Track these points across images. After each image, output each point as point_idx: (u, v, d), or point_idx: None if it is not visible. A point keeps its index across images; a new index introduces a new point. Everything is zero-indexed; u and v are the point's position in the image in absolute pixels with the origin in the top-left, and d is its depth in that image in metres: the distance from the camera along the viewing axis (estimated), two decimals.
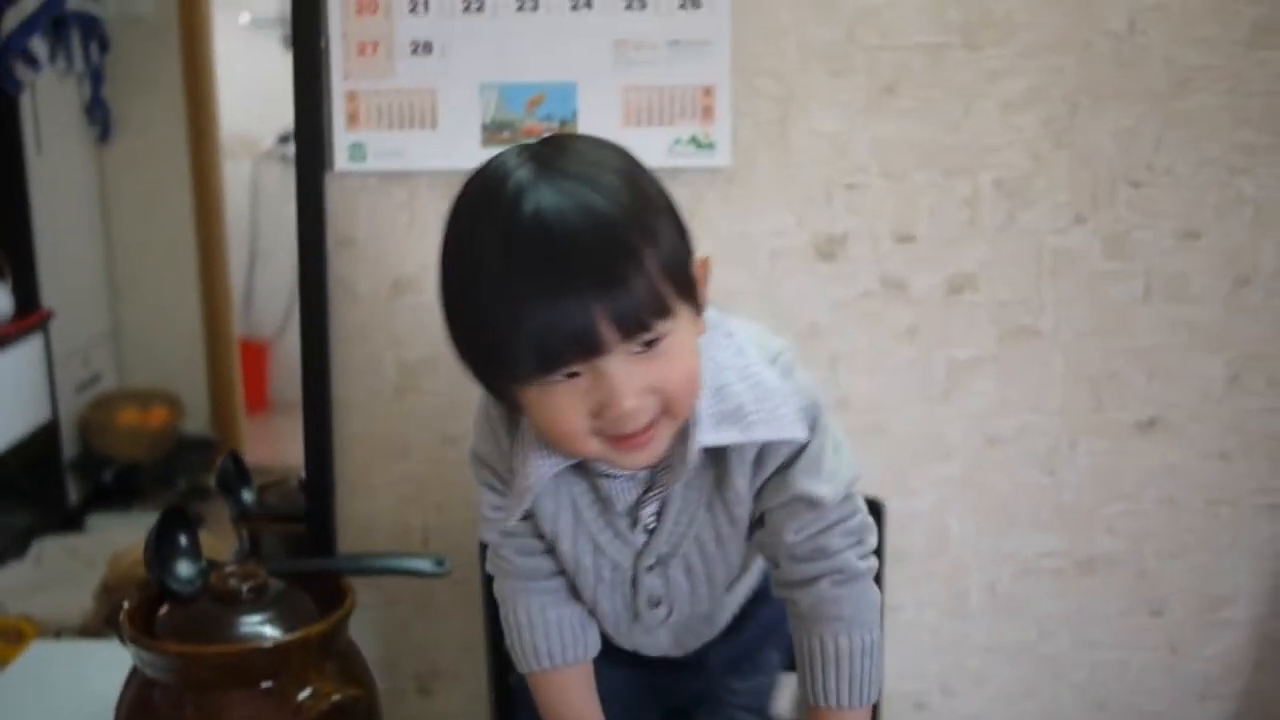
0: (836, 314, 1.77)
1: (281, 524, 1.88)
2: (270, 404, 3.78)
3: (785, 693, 1.84)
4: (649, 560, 1.22)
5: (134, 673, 1.60)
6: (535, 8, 1.68)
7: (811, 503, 1.14)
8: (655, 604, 1.25)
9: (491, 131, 1.71)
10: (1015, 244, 1.76)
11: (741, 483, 1.15)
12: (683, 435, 1.09)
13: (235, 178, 3.76)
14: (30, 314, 3.34)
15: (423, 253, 1.76)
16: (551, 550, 1.24)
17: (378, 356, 1.79)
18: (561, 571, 1.26)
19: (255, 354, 3.85)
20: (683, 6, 1.68)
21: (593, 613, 1.29)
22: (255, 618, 1.57)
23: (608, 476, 1.16)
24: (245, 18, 3.60)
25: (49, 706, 1.94)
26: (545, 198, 0.99)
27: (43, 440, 3.42)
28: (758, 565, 1.35)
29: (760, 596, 1.39)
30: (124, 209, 3.73)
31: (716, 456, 1.15)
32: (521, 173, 1.01)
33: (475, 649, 1.79)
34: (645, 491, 1.17)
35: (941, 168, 1.74)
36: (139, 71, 3.61)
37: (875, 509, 1.65)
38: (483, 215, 1.03)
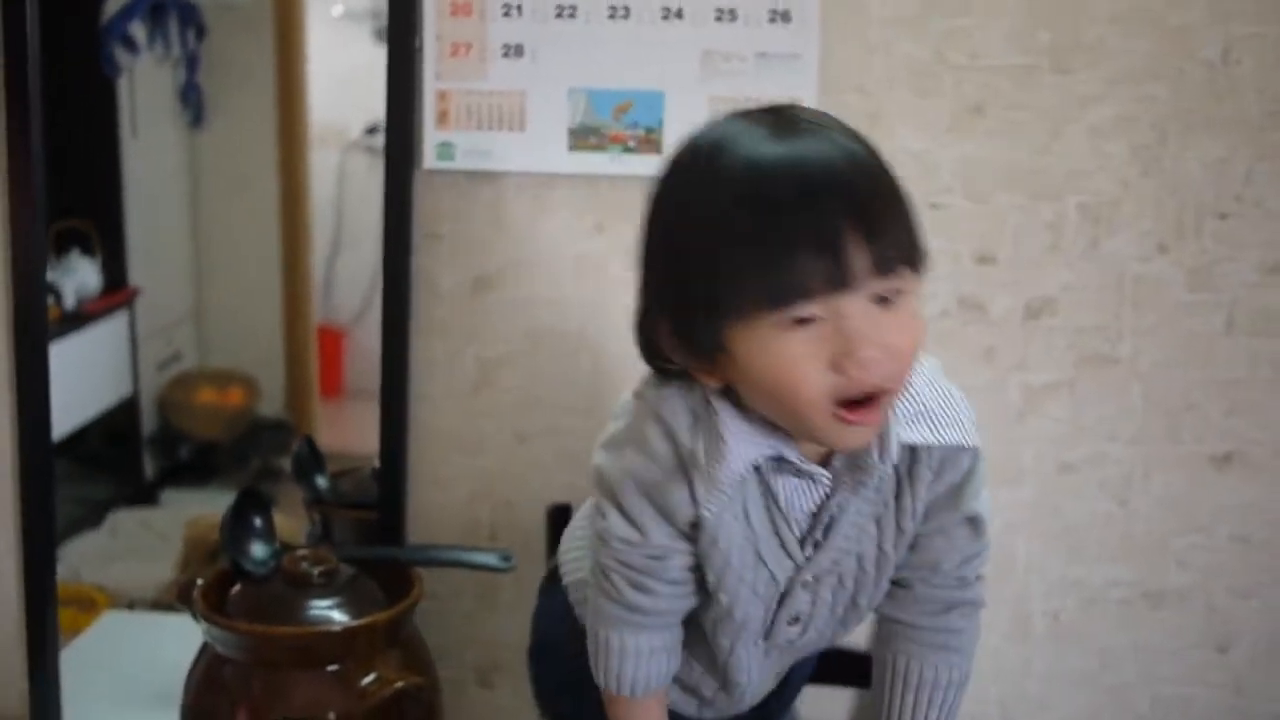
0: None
1: (353, 511, 1.92)
2: (345, 390, 3.84)
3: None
4: (807, 576, 1.15)
5: (205, 648, 1.64)
6: (626, 16, 1.70)
7: (976, 526, 1.14)
8: (794, 621, 1.19)
9: (579, 136, 1.73)
10: (1097, 270, 1.75)
11: (922, 492, 1.10)
12: (878, 435, 1.04)
13: (322, 166, 3.81)
14: (118, 291, 3.42)
15: (507, 251, 1.78)
16: (670, 595, 1.16)
17: (457, 352, 1.81)
18: (667, 613, 1.19)
19: (333, 340, 3.91)
20: (773, 20, 1.69)
21: (711, 637, 1.22)
22: (325, 602, 1.61)
23: (796, 475, 1.08)
24: (338, 9, 3.65)
25: (120, 675, 2.00)
26: (795, 141, 0.96)
27: (123, 415, 3.49)
28: None
29: None
30: (213, 193, 3.79)
31: (903, 464, 1.09)
32: (757, 129, 0.98)
33: None
34: (825, 499, 1.10)
35: (1026, 191, 1.73)
36: (233, 59, 3.68)
37: None
38: (715, 158, 0.98)
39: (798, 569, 1.14)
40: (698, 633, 1.23)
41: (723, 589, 1.15)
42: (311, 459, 1.95)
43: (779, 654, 1.26)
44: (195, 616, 1.61)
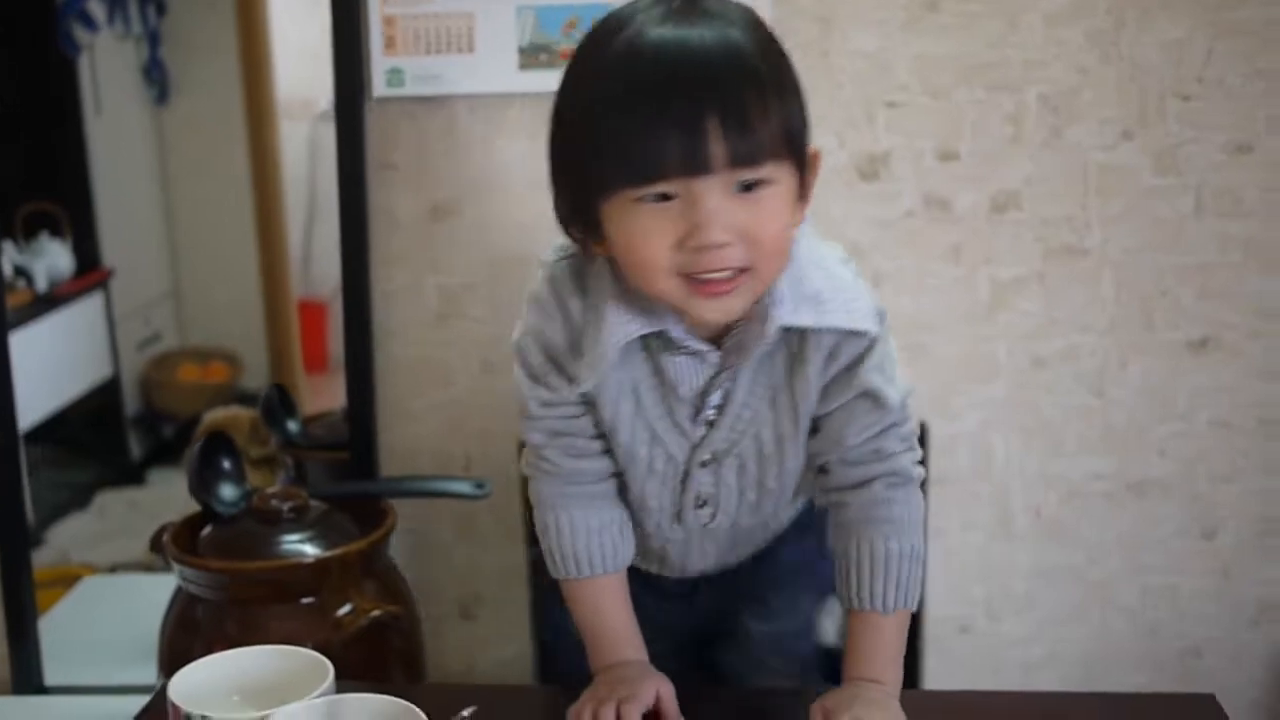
0: (879, 234, 1.75)
1: (326, 453, 1.90)
2: (329, 364, 3.81)
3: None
4: (704, 455, 1.18)
5: (178, 593, 1.63)
6: None
7: (877, 401, 1.14)
8: (701, 504, 1.23)
9: (528, 55, 1.70)
10: (1061, 161, 1.73)
11: (814, 374, 1.13)
12: (760, 315, 1.08)
13: (293, 138, 3.77)
14: (91, 272, 3.39)
15: (463, 177, 1.76)
16: (603, 451, 1.21)
17: (418, 282, 1.79)
18: (608, 476, 1.23)
19: (314, 314, 3.87)
20: None
21: (635, 518, 1.26)
22: (296, 536, 1.59)
23: (678, 352, 1.12)
24: None
25: (100, 635, 1.99)
26: (683, 27, 1.00)
27: (105, 396, 3.47)
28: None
29: (784, 536, 1.37)
30: (182, 170, 3.76)
31: (789, 345, 1.13)
32: (656, 9, 1.02)
33: (517, 574, 1.80)
34: (714, 376, 1.14)
35: (984, 84, 1.71)
36: (195, 34, 3.64)
37: (919, 430, 1.64)
38: (613, 37, 1.02)
39: (693, 448, 1.18)
40: None
41: (625, 466, 1.20)
42: (281, 404, 1.94)
43: (710, 542, 1.30)
44: (166, 560, 1.60)
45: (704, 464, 1.19)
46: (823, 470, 1.20)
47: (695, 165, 0.98)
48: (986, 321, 1.77)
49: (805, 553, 1.36)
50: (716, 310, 1.05)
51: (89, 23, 3.28)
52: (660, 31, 1.00)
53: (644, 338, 1.11)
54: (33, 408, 3.08)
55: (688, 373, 1.14)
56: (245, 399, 3.56)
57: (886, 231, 1.75)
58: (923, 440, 1.63)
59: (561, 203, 1.10)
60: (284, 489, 1.65)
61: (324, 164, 3.65)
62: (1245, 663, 1.87)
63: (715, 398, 1.15)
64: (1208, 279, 1.75)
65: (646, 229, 1.01)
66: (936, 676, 1.83)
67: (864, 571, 1.15)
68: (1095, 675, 1.87)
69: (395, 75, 1.72)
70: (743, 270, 1.02)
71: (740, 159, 0.98)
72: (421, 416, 1.83)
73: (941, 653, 1.84)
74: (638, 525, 1.27)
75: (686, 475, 1.20)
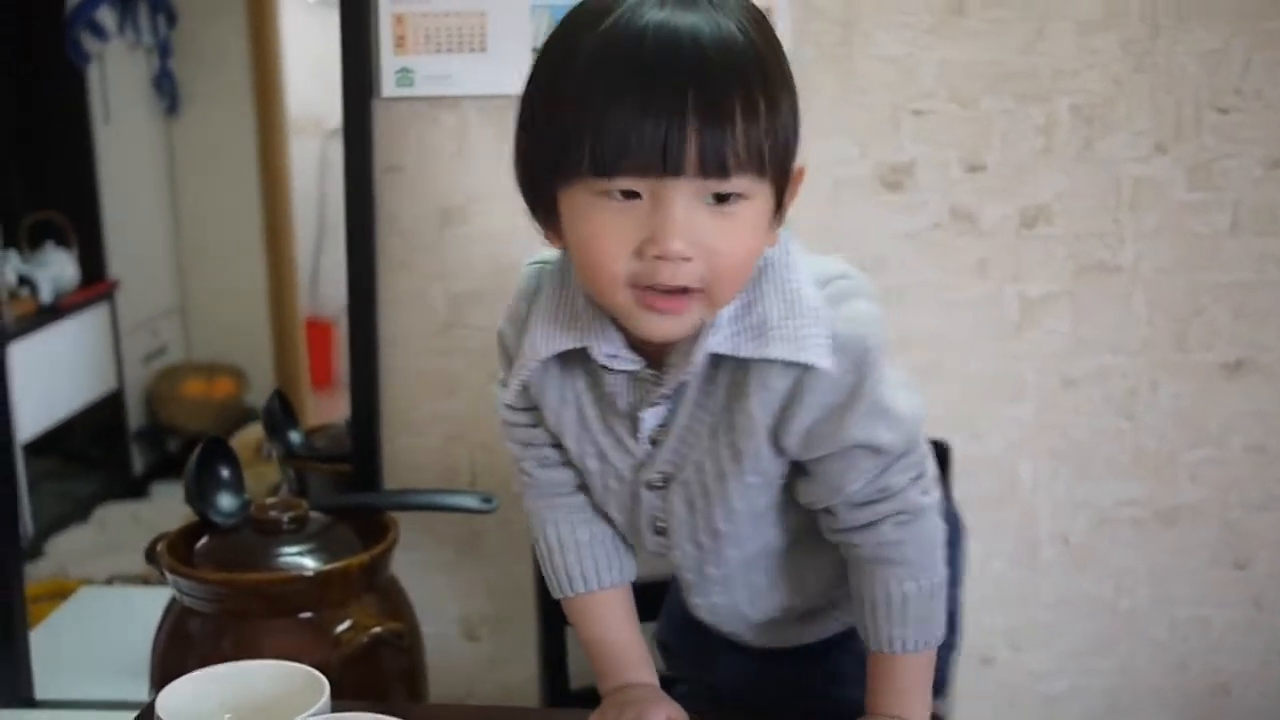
0: (902, 247, 1.69)
1: (329, 465, 1.85)
2: (336, 382, 3.78)
3: None
4: (650, 474, 1.10)
5: (172, 604, 1.57)
6: None
7: (874, 450, 1.04)
8: (659, 530, 1.15)
9: None
10: (1093, 174, 1.67)
11: (759, 413, 1.03)
12: (689, 340, 1.00)
13: (303, 155, 3.75)
14: (97, 283, 3.36)
15: (472, 182, 1.70)
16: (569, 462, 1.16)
17: (424, 289, 1.74)
18: (582, 488, 1.17)
19: (321, 332, 3.85)
20: None
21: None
22: (295, 548, 1.54)
23: (610, 370, 1.04)
24: None
25: (92, 648, 1.94)
26: (679, 14, 0.91)
27: (109, 409, 3.44)
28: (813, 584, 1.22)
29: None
30: (191, 183, 3.74)
31: (735, 376, 1.03)
32: None
33: (524, 593, 1.73)
34: (648, 393, 1.05)
35: (1014, 93, 1.66)
36: (207, 45, 3.63)
37: (941, 451, 1.59)
38: (600, 17, 0.93)
39: (638, 467, 1.11)
40: None
41: (583, 473, 1.15)
42: (284, 414, 1.88)
43: (720, 592, 1.20)
44: (161, 570, 1.54)
45: (651, 486, 1.12)
46: (827, 512, 1.11)
47: (668, 165, 0.89)
48: (1014, 340, 1.71)
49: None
50: (660, 329, 0.96)
51: (99, 32, 3.26)
52: (652, 15, 0.91)
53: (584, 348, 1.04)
54: (35, 419, 3.06)
55: (623, 388, 1.06)
56: (250, 415, 3.54)
57: (910, 244, 1.69)
58: (944, 461, 1.58)
59: (521, 180, 1.00)
60: (284, 499, 1.60)
61: (334, 182, 3.62)
62: (1277, 699, 1.81)
63: (651, 416, 1.06)
64: (1244, 299, 1.70)
65: (605, 227, 0.93)
66: (955, 709, 1.76)
67: (881, 614, 1.09)
68: (1120, 711, 1.81)
69: (405, 75, 1.67)
70: (696, 290, 0.94)
71: (717, 168, 0.90)
72: (426, 428, 1.78)
73: (962, 683, 1.77)
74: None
75: (635, 496, 1.13)
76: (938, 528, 1.11)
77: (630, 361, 1.03)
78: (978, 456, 1.73)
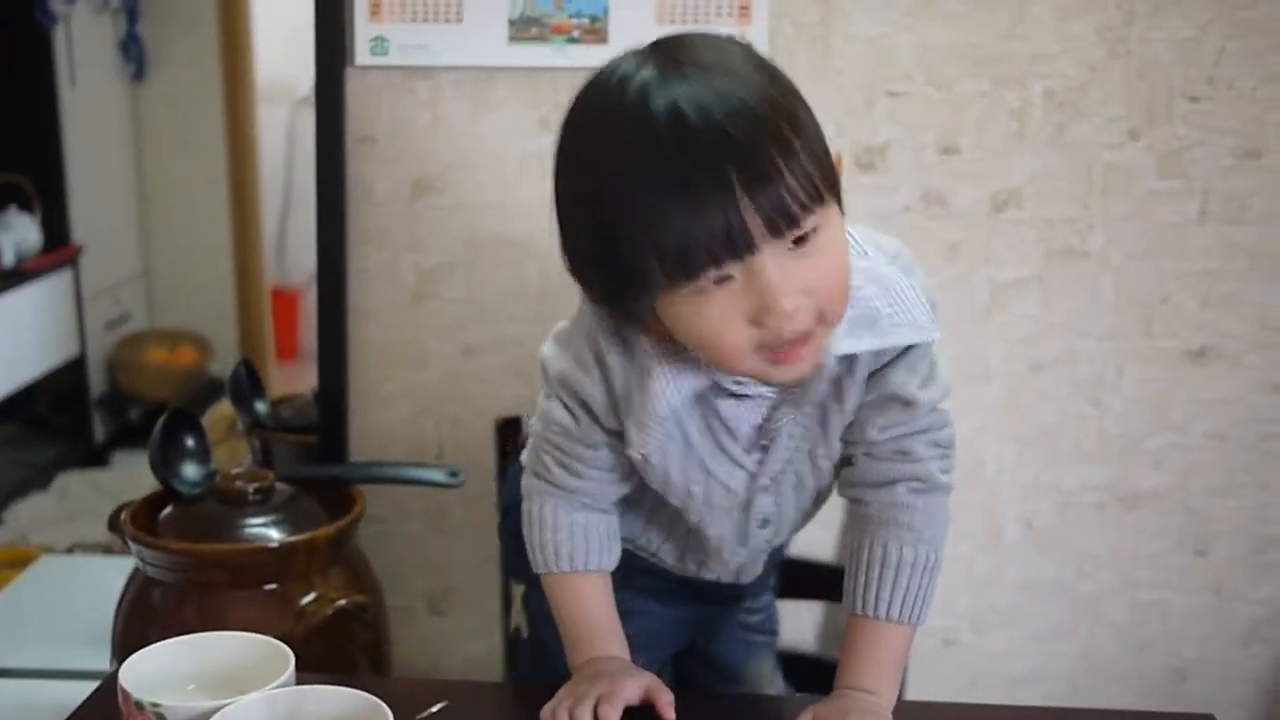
0: (874, 228, 1.68)
1: (294, 436, 1.83)
2: (300, 353, 3.75)
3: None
4: (763, 481, 1.14)
5: (134, 574, 1.56)
6: None
7: (905, 402, 1.09)
8: (764, 524, 1.19)
9: (519, 26, 1.64)
10: (1065, 159, 1.68)
11: (859, 382, 1.09)
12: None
13: (271, 123, 3.73)
14: (60, 248, 3.32)
15: (445, 152, 1.69)
16: (609, 481, 1.16)
17: (395, 261, 1.73)
18: (608, 499, 1.18)
19: (287, 302, 3.83)
20: None
21: (698, 538, 1.22)
22: (260, 519, 1.53)
23: (735, 398, 1.08)
24: None
25: (53, 617, 1.92)
26: (679, 91, 0.92)
27: (70, 376, 3.41)
28: None
29: None
30: (157, 148, 3.70)
31: (840, 364, 1.07)
32: (646, 71, 0.94)
33: (489, 568, 1.73)
34: (773, 410, 1.10)
35: (989, 76, 1.66)
36: (175, 9, 3.58)
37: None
38: (608, 117, 0.96)
39: (752, 477, 1.14)
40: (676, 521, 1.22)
41: (672, 497, 1.16)
42: (250, 383, 1.86)
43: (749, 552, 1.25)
44: (124, 539, 1.53)
45: (764, 489, 1.15)
46: (848, 462, 1.14)
47: (740, 246, 0.92)
48: (983, 323, 1.71)
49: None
50: (798, 370, 1.00)
51: None
52: (666, 99, 0.92)
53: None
54: None
55: (744, 413, 1.09)
56: (214, 385, 3.51)
57: (881, 226, 1.64)
58: None
59: (600, 294, 1.03)
60: (249, 470, 1.59)
61: (302, 150, 3.59)
62: (1234, 684, 1.83)
63: (769, 430, 1.11)
64: (1211, 287, 1.71)
65: (716, 316, 0.95)
66: (918, 689, 1.76)
67: (873, 574, 1.10)
68: (1081, 692, 1.82)
69: (379, 44, 1.65)
70: (815, 325, 0.97)
71: (786, 224, 0.92)
72: (394, 401, 1.77)
73: (924, 665, 1.79)
74: (700, 543, 1.23)
75: (748, 503, 1.16)
76: (947, 511, 1.14)
77: (755, 386, 1.07)
78: None
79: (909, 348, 1.08)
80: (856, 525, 1.14)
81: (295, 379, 3.47)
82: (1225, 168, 1.67)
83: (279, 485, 1.57)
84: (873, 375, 1.09)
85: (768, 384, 1.06)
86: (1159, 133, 1.67)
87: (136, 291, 3.75)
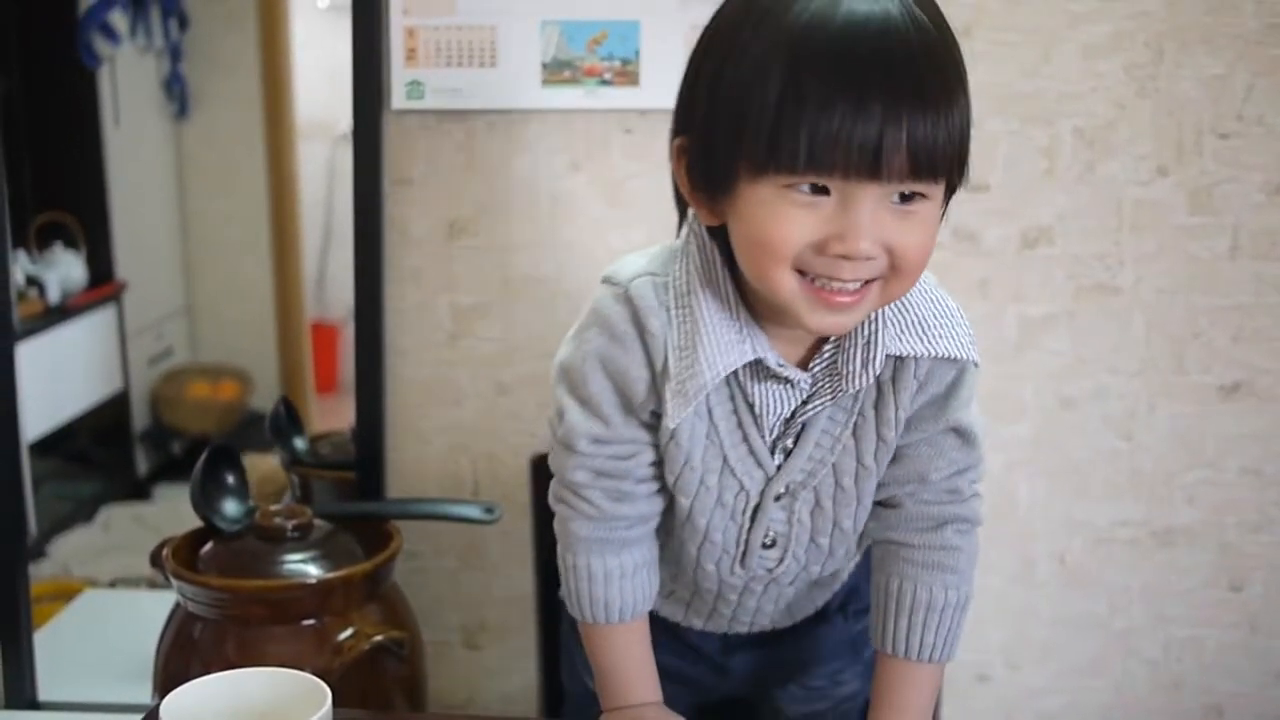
0: None
1: (332, 472, 1.86)
2: (340, 386, 3.79)
3: None
4: (779, 487, 1.09)
5: (176, 609, 1.58)
6: None
7: (965, 436, 1.08)
8: (770, 544, 1.13)
9: (552, 70, 1.67)
10: (1094, 196, 1.69)
11: (906, 401, 1.05)
12: (860, 341, 1.01)
13: (311, 160, 3.77)
14: (104, 285, 3.37)
15: (480, 194, 1.72)
16: (650, 494, 1.12)
17: (431, 300, 1.75)
18: (650, 519, 1.14)
19: (327, 336, 3.87)
20: None
21: (693, 560, 1.17)
22: (299, 556, 1.55)
23: (769, 379, 1.03)
24: (324, 1, 3.61)
25: (97, 651, 1.94)
26: (890, 4, 0.89)
27: (114, 410, 3.45)
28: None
29: (828, 613, 1.30)
30: (200, 186, 3.76)
31: (880, 378, 1.04)
32: None
33: (524, 604, 1.75)
34: (803, 403, 1.05)
35: (1018, 115, 1.67)
36: (217, 50, 3.64)
37: None
38: (782, 6, 0.90)
39: (768, 480, 1.09)
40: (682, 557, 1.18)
41: (683, 492, 1.10)
42: (289, 420, 1.89)
43: (763, 591, 1.20)
44: (165, 575, 1.56)
45: (778, 498, 1.10)
46: (891, 505, 1.12)
47: (872, 170, 0.88)
48: (1014, 360, 1.72)
49: (850, 634, 1.30)
50: (832, 323, 0.95)
51: (111, 35, 3.27)
52: (850, 4, 0.89)
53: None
54: (41, 419, 3.07)
55: (776, 401, 1.05)
56: (255, 418, 3.55)
57: None
58: None
59: (694, 155, 0.98)
60: (288, 507, 1.61)
61: (341, 187, 3.64)
62: None
63: (796, 425, 1.06)
64: (1242, 322, 1.71)
65: (790, 219, 0.91)
66: None
67: (916, 619, 1.09)
68: None
69: (415, 88, 1.69)
70: (870, 281, 0.94)
71: (919, 173, 0.89)
72: (430, 437, 1.79)
73: (958, 700, 1.79)
74: (694, 569, 1.17)
75: (758, 510, 1.11)
76: (979, 546, 1.14)
77: (794, 369, 1.03)
78: None
79: (961, 376, 1.06)
80: (890, 567, 1.12)
81: (335, 412, 3.51)
82: (1256, 203, 1.68)
83: (317, 521, 1.59)
84: (928, 406, 1.07)
85: (808, 354, 1.03)
86: (1188, 169, 1.67)
87: (179, 327, 3.80)
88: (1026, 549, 1.78)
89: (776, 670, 1.30)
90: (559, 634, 1.51)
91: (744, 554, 1.14)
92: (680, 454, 1.07)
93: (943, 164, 0.90)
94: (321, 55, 3.36)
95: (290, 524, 1.56)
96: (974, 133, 1.64)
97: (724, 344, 1.00)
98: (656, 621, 1.21)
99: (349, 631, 1.51)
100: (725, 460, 1.08)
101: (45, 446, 3.20)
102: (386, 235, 1.73)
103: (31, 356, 3.01)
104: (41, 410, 3.09)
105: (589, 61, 1.66)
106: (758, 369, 1.03)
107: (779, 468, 1.09)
